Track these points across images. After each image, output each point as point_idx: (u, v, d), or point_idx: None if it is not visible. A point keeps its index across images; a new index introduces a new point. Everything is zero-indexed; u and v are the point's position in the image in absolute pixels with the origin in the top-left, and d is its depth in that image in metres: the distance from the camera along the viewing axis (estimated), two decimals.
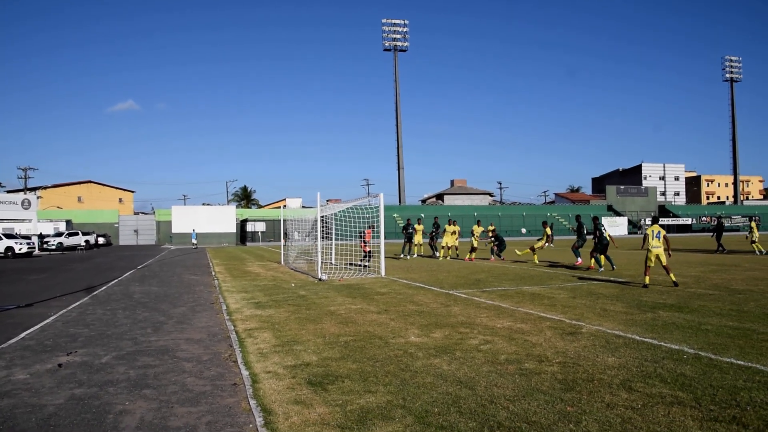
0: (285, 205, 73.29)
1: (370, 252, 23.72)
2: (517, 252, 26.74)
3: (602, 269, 18.71)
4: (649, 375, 5.97)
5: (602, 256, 19.17)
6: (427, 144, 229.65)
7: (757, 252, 27.55)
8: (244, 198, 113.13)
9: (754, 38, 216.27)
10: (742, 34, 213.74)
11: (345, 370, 6.43)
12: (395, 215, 75.79)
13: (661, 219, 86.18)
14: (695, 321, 9.13)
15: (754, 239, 28.49)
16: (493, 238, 26.54)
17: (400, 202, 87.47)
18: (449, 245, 28.67)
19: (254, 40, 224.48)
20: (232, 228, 67.80)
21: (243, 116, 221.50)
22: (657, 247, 13.96)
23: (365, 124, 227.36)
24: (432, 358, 6.91)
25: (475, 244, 27.54)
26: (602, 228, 19.32)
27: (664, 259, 13.96)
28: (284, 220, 33.50)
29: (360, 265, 21.94)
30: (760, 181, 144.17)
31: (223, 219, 67.29)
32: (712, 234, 33.06)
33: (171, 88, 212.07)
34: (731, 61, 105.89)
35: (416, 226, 29.05)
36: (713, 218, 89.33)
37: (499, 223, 74.72)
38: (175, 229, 64.49)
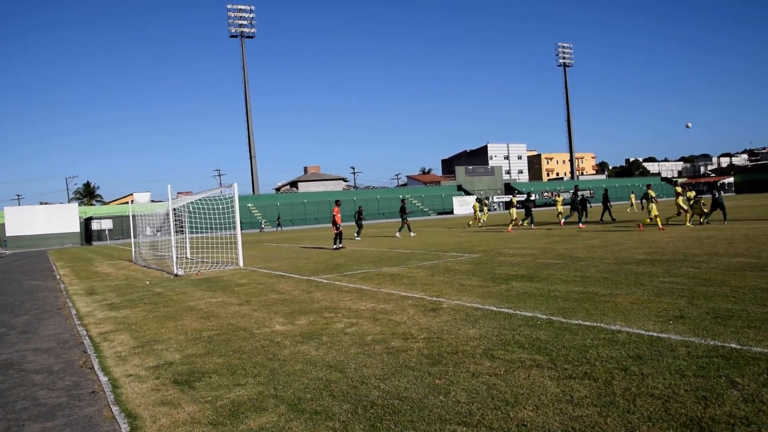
0: (132, 200, 69.79)
1: (340, 232, 23.53)
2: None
3: None
4: (508, 342, 6.28)
5: None
6: (279, 132, 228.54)
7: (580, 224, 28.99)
8: (87, 195, 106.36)
9: (583, 26, 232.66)
10: (573, 22, 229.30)
11: (211, 366, 6.23)
12: (249, 205, 74.43)
13: (507, 195, 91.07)
14: (545, 289, 9.71)
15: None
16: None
17: (254, 191, 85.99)
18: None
19: (94, 34, 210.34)
20: (75, 227, 63.63)
21: (82, 110, 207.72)
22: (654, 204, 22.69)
23: (214, 114, 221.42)
24: (299, 345, 6.85)
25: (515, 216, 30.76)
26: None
27: (654, 211, 22.39)
28: (133, 216, 31.90)
29: (337, 248, 22.82)
30: (593, 158, 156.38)
31: (64, 218, 62.95)
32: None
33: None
34: (563, 47, 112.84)
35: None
36: (553, 193, 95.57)
37: (355, 207, 75.68)
38: (9, 232, 59.56)
